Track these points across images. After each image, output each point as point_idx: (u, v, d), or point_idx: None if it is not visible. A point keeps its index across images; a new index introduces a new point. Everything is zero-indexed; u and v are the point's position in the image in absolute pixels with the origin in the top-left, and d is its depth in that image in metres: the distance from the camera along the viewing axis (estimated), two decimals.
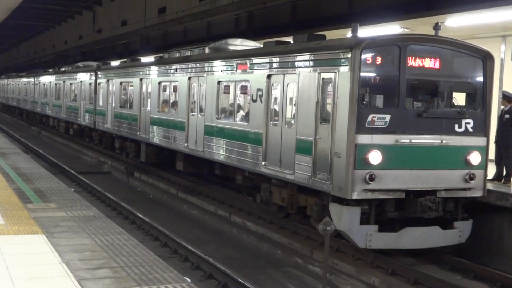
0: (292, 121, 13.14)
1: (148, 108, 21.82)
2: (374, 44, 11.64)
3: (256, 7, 22.01)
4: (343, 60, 11.56)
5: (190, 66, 18.67)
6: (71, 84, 33.91)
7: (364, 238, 11.43)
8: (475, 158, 12.18)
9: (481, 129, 12.39)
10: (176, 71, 19.63)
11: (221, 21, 25.61)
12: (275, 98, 13.95)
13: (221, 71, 16.58)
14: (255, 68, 14.76)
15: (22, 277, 7.58)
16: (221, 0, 23.82)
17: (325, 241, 9.85)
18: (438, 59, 12.03)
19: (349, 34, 13.40)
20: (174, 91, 19.87)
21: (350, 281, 11.44)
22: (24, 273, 7.71)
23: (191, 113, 18.36)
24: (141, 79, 22.66)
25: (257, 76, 14.60)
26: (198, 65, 18.10)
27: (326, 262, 10.11)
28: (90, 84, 29.79)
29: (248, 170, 15.24)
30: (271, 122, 13.99)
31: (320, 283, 10.81)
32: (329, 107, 12.01)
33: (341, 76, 11.55)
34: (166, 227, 14.20)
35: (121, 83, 25.22)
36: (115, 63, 31.25)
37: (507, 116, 13.82)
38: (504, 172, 13.86)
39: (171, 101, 20.22)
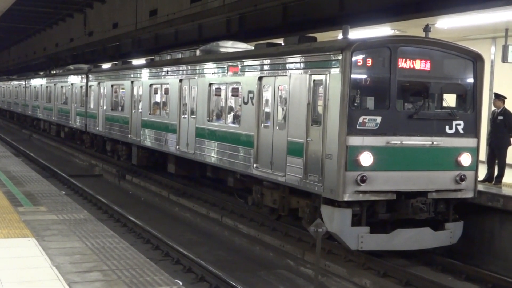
0: (284, 123, 13.14)
1: (140, 110, 21.78)
2: (364, 46, 11.66)
3: (247, 9, 21.99)
4: (333, 62, 11.57)
5: (181, 68, 18.65)
6: (62, 87, 33.82)
7: (356, 239, 11.44)
8: (465, 159, 12.21)
9: (472, 130, 12.43)
10: (167, 73, 19.60)
11: (212, 23, 25.59)
12: (267, 100, 13.94)
13: (212, 73, 16.57)
14: (246, 70, 14.76)
15: (12, 280, 7.54)
16: (212, 3, 23.80)
17: (316, 243, 9.85)
18: (428, 61, 12.06)
19: (340, 36, 13.43)
20: (165, 93, 19.84)
21: (342, 282, 11.45)
22: (14, 277, 7.67)
23: (183, 116, 18.33)
24: (132, 82, 22.62)
25: (248, 78, 14.60)
26: (189, 67, 18.09)
27: (317, 264, 10.11)
28: (81, 87, 29.72)
29: (239, 172, 15.22)
30: (263, 124, 13.99)
31: (312, 285, 10.80)
32: (320, 109, 12.01)
33: (332, 78, 11.56)
34: (157, 229, 14.17)
35: (112, 85, 25.17)
36: (106, 65, 31.20)
37: (500, 117, 13.86)
38: (496, 173, 13.90)
39: (162, 103, 20.19)
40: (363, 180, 11.32)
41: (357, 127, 11.37)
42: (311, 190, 12.18)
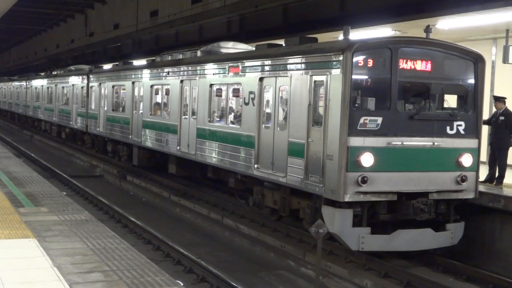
0: (284, 124, 13.14)
1: (140, 111, 21.79)
2: (365, 47, 11.66)
3: (248, 10, 22.00)
4: (334, 62, 11.57)
5: (182, 69, 18.66)
6: (63, 87, 33.84)
7: (357, 240, 11.44)
8: (466, 160, 12.21)
9: (473, 131, 12.43)
10: (168, 74, 19.61)
11: (213, 24, 25.60)
12: (267, 101, 13.95)
13: (213, 74, 16.57)
14: (247, 71, 14.76)
15: (13, 281, 7.54)
16: (213, 3, 23.83)
17: (317, 243, 9.85)
18: (429, 62, 12.06)
19: (340, 36, 13.43)
20: (166, 94, 19.85)
21: (343, 283, 11.45)
22: (15, 277, 7.67)
23: (183, 116, 18.34)
24: (133, 83, 22.63)
25: (249, 79, 14.60)
26: (190, 68, 18.10)
27: (318, 264, 10.11)
28: (82, 87, 29.73)
29: (240, 173, 15.23)
30: (263, 125, 13.99)
31: (313, 286, 10.80)
32: (321, 110, 12.01)
33: (333, 79, 11.56)
34: (158, 230, 14.18)
35: (113, 86, 25.18)
36: (107, 66, 31.22)
37: (501, 118, 13.85)
38: (497, 174, 13.89)
39: (163, 104, 20.21)
40: (364, 180, 11.32)
41: (358, 128, 11.37)
42: (312, 191, 12.18)
